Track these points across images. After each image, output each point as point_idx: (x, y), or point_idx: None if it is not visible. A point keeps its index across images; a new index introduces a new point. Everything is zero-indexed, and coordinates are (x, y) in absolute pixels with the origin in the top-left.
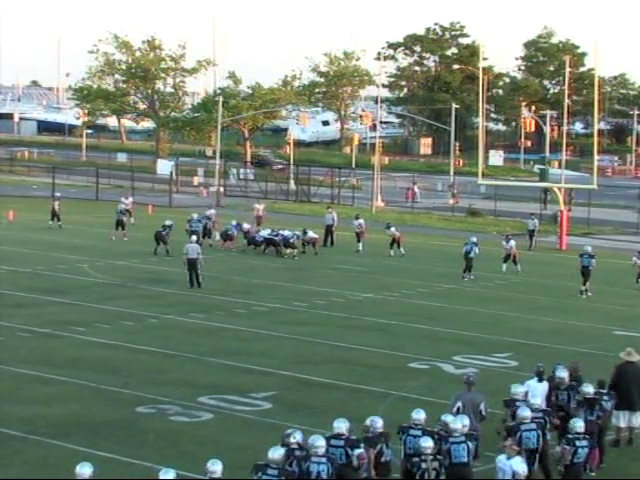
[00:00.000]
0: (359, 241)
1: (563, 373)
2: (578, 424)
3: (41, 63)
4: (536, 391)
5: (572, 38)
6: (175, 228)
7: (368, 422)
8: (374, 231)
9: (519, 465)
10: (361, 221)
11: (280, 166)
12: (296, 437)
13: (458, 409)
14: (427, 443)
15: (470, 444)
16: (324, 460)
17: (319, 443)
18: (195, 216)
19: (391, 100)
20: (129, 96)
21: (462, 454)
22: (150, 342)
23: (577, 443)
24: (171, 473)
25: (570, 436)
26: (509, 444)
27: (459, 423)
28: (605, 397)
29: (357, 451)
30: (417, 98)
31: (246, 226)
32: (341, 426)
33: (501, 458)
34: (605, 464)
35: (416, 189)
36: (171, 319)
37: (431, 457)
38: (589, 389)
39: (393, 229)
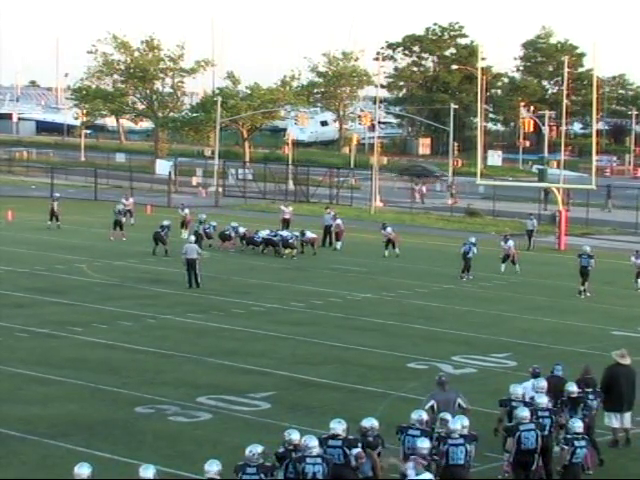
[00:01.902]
0: (338, 240)
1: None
2: (577, 424)
3: (40, 63)
4: (532, 392)
5: (571, 38)
6: (173, 228)
7: (367, 425)
8: (373, 231)
9: None
10: (339, 221)
11: (445, 178)
12: (292, 437)
13: (432, 408)
14: (423, 444)
15: (469, 446)
16: (319, 461)
17: (312, 443)
18: (204, 216)
19: (390, 100)
20: (128, 96)
21: (459, 456)
22: (148, 342)
23: (576, 443)
24: (150, 470)
25: (569, 436)
26: (415, 458)
27: (458, 424)
28: (590, 396)
29: (355, 451)
30: (416, 98)
31: (242, 230)
32: (337, 426)
33: (410, 472)
34: (604, 464)
35: (424, 189)
36: (169, 319)
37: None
38: (573, 388)
39: (389, 229)
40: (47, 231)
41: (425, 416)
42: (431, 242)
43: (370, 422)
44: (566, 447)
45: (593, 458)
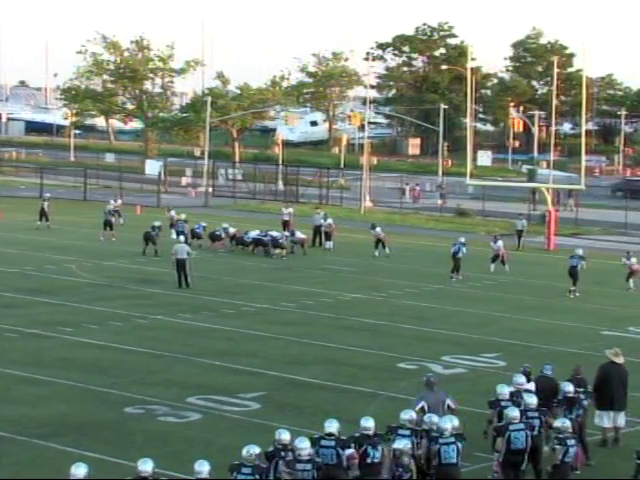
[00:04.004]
0: (328, 240)
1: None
2: (567, 424)
3: (29, 63)
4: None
5: (560, 39)
6: (164, 229)
7: (361, 422)
8: (363, 231)
9: None
10: (330, 221)
11: None
12: (282, 437)
13: (422, 409)
14: (399, 444)
15: (459, 445)
16: (309, 467)
17: (303, 445)
18: (183, 216)
19: (379, 100)
20: (117, 96)
21: (452, 455)
22: (138, 342)
23: (568, 442)
24: (149, 463)
25: (561, 436)
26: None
27: (448, 423)
28: (582, 396)
29: (348, 451)
30: (405, 98)
31: (232, 230)
32: (331, 426)
33: None
34: (594, 464)
35: (417, 189)
36: (159, 319)
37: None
38: (569, 388)
39: (378, 229)
40: (37, 231)
41: (415, 416)
42: (421, 242)
43: (364, 420)
44: (558, 447)
45: (581, 458)
